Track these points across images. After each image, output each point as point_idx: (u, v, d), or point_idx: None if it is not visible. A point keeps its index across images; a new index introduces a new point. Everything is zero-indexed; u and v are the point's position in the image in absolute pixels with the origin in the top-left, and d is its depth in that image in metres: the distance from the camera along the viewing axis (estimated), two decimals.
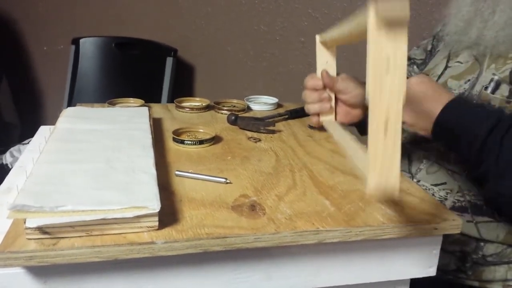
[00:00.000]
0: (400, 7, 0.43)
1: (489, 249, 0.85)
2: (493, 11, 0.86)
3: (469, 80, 0.89)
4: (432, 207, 0.64)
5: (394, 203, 0.64)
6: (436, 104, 0.71)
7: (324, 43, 0.88)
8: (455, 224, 0.61)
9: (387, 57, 0.45)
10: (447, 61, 0.96)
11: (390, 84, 0.45)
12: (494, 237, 0.84)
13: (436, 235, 0.63)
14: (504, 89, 0.83)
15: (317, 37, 0.89)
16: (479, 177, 0.69)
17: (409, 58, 1.13)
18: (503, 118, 0.69)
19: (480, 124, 0.69)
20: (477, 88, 0.87)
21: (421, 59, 1.13)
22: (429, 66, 1.01)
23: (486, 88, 0.85)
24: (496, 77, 0.84)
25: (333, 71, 0.89)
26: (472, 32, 0.88)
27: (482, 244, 0.85)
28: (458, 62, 0.93)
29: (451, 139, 0.73)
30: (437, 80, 0.93)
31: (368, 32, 0.45)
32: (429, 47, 1.11)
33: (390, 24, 0.44)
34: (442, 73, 0.94)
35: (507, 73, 0.83)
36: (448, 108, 0.70)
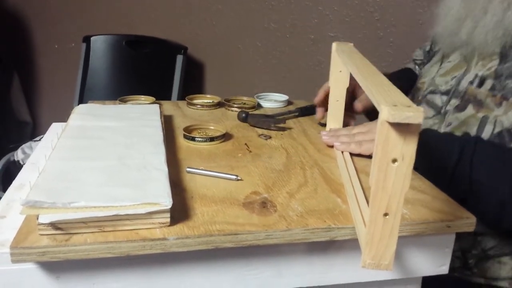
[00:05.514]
0: (414, 116, 0.42)
1: (488, 242, 0.84)
2: (485, 12, 0.86)
3: (455, 77, 0.92)
4: (445, 205, 0.64)
5: (406, 200, 0.64)
6: None
7: (339, 53, 0.83)
8: (468, 222, 0.61)
9: (396, 153, 0.45)
10: (441, 64, 0.99)
11: (395, 176, 0.46)
12: (485, 227, 0.83)
13: (449, 233, 0.62)
14: (488, 84, 0.85)
15: (334, 45, 0.85)
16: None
17: (413, 60, 1.20)
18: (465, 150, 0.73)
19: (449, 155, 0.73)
20: (463, 84, 0.90)
21: (420, 60, 1.17)
22: (427, 66, 1.04)
23: (471, 83, 0.88)
24: (481, 73, 0.87)
25: (345, 81, 0.86)
26: (463, 33, 0.90)
27: (479, 238, 0.84)
28: (448, 62, 0.97)
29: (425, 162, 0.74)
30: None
31: (378, 126, 0.45)
32: (427, 48, 1.15)
33: (401, 127, 0.43)
34: (435, 74, 0.98)
35: (492, 70, 0.85)
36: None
